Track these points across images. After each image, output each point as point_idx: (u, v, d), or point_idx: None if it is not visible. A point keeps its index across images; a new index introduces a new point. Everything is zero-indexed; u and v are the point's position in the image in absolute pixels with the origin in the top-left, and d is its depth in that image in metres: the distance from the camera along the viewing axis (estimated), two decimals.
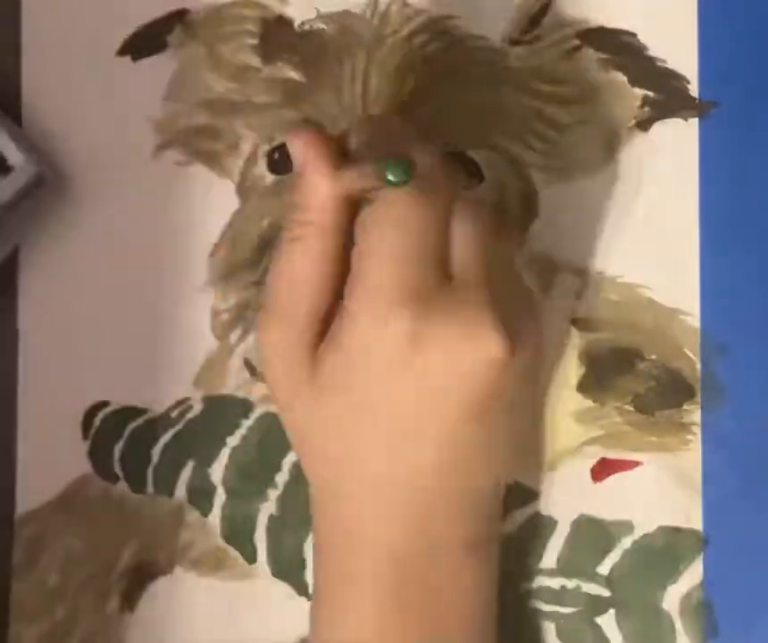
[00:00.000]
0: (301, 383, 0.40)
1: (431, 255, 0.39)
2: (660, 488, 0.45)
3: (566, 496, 0.46)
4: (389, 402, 0.39)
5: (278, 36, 0.49)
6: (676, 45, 0.46)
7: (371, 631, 0.41)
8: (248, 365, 0.48)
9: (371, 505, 0.41)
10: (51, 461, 0.50)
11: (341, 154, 0.40)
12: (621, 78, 0.46)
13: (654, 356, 0.46)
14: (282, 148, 0.48)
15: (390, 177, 0.38)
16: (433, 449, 0.40)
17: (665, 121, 0.46)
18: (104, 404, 0.50)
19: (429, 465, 0.40)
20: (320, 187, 0.39)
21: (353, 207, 0.40)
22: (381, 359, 0.38)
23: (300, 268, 0.40)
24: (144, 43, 0.50)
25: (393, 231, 0.38)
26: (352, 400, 0.40)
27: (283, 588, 0.48)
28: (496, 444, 0.42)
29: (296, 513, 0.47)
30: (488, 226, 0.40)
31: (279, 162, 0.48)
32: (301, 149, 0.40)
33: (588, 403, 0.46)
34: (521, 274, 0.45)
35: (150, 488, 0.49)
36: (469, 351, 0.38)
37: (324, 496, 0.43)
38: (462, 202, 0.40)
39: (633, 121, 0.46)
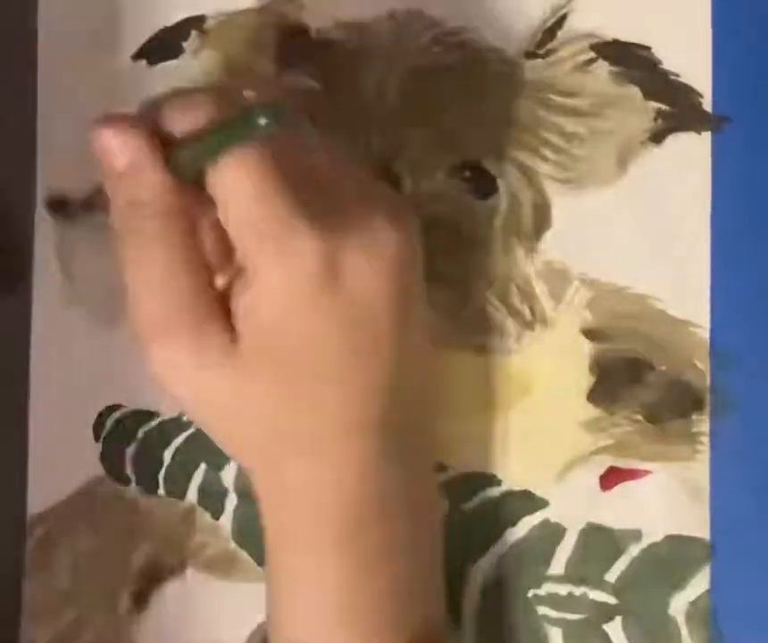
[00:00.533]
0: (216, 368, 0.38)
1: (294, 177, 0.37)
2: (668, 498, 0.46)
3: (575, 504, 0.46)
4: (315, 349, 0.38)
5: (294, 44, 0.49)
6: (690, 59, 0.46)
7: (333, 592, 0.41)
8: None
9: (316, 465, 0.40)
10: (63, 463, 0.51)
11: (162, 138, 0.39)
12: (635, 91, 0.46)
13: (663, 367, 0.46)
14: None
15: (261, 121, 0.36)
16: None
17: (678, 134, 0.46)
18: (117, 407, 0.50)
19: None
20: (153, 183, 0.38)
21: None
22: (302, 296, 0.37)
23: (160, 259, 0.38)
24: (160, 48, 0.50)
25: (252, 175, 0.37)
26: (280, 372, 0.38)
27: None
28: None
29: None
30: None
31: None
32: (115, 148, 0.39)
33: (598, 412, 0.46)
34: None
35: (162, 491, 0.49)
36: (391, 240, 0.39)
37: (265, 478, 0.41)
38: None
39: (646, 134, 0.46)
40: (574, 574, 0.46)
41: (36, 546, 0.50)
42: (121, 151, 0.38)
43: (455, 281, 0.47)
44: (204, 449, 0.49)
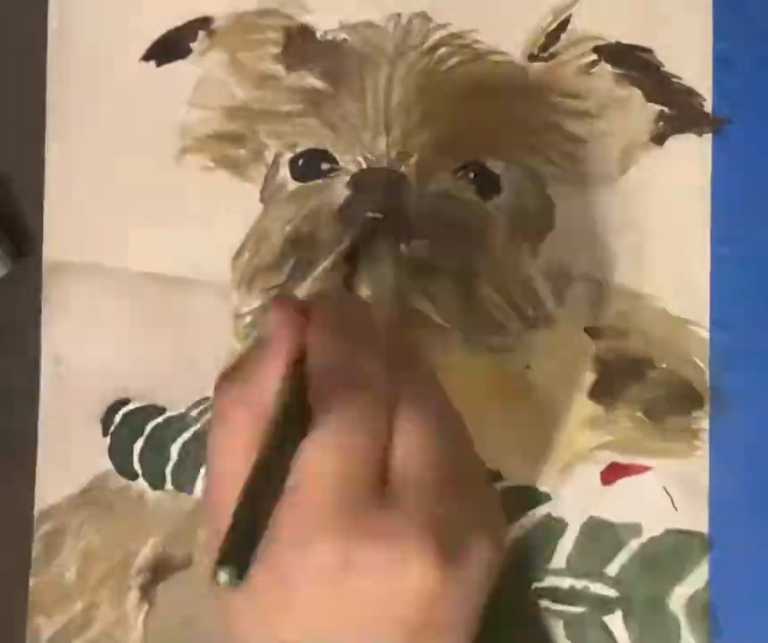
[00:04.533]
0: None
1: (367, 474, 0.35)
2: (668, 493, 0.46)
3: (577, 498, 0.47)
4: (318, 630, 0.35)
5: (301, 45, 0.50)
6: (691, 62, 0.47)
7: None
8: None
9: None
10: (71, 457, 0.51)
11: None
12: (637, 93, 0.48)
13: (664, 365, 0.47)
14: (305, 155, 0.49)
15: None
16: None
17: (680, 136, 0.47)
18: (125, 401, 0.51)
19: None
20: (274, 367, 0.36)
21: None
22: (308, 585, 0.34)
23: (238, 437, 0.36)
24: (168, 49, 0.51)
25: (332, 456, 0.34)
26: (282, 619, 0.35)
27: None
28: None
29: None
30: (437, 425, 0.36)
31: (303, 168, 0.49)
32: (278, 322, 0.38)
33: (600, 409, 0.47)
34: (484, 477, 0.41)
35: (169, 486, 0.50)
36: (395, 578, 0.34)
37: None
38: (407, 406, 0.36)
39: (648, 136, 0.48)
40: (575, 568, 0.47)
41: (43, 541, 0.51)
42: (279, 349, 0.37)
43: (459, 280, 0.48)
44: None
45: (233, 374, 0.37)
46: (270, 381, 0.36)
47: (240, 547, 0.31)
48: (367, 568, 0.34)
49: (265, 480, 0.33)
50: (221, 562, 0.30)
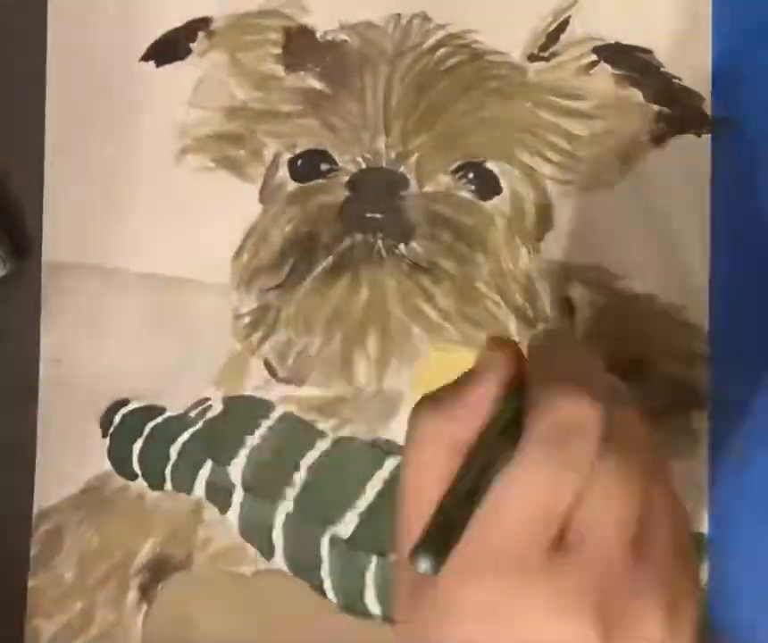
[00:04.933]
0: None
1: (550, 518, 0.32)
2: None
3: None
4: None
5: (300, 45, 0.50)
6: (691, 62, 0.48)
7: None
8: (269, 367, 0.49)
9: None
10: (70, 458, 0.51)
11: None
12: (637, 94, 0.48)
13: (664, 366, 0.47)
14: (305, 156, 0.49)
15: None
16: None
17: (679, 137, 0.47)
18: (124, 402, 0.51)
19: None
20: (480, 404, 0.35)
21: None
22: (464, 616, 0.32)
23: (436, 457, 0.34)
24: (168, 49, 0.51)
25: (527, 498, 0.32)
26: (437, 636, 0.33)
27: (299, 585, 0.49)
28: None
29: (314, 511, 0.48)
30: (635, 496, 0.33)
31: (302, 169, 0.49)
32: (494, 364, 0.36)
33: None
34: (690, 552, 0.36)
35: (169, 486, 0.50)
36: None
37: None
38: (612, 458, 0.33)
39: (647, 137, 0.48)
40: None
41: (42, 541, 0.51)
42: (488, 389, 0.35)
43: (459, 280, 0.48)
44: (211, 445, 0.50)
45: (439, 401, 0.35)
46: (477, 419, 0.34)
47: (440, 539, 0.32)
48: (524, 626, 0.32)
49: (472, 487, 0.33)
50: (421, 549, 0.32)
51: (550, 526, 0.32)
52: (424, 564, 0.32)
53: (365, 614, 0.49)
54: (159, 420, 0.51)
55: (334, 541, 0.49)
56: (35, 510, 0.51)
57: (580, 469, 0.32)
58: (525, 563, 0.32)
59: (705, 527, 0.46)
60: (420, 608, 0.33)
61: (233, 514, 0.50)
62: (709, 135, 0.47)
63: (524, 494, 0.32)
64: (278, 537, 0.49)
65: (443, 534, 0.33)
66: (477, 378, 0.35)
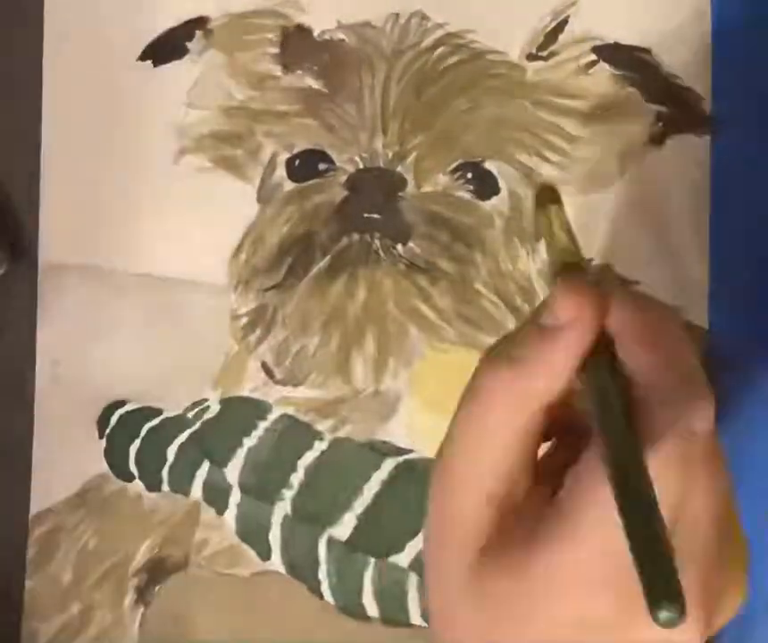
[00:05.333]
0: (459, 591, 0.32)
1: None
2: None
3: None
4: None
5: (298, 45, 0.50)
6: (690, 62, 0.47)
7: None
8: (266, 368, 0.49)
9: None
10: (67, 459, 0.51)
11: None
12: (636, 93, 0.48)
13: None
14: (302, 155, 0.49)
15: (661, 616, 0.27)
16: None
17: (678, 136, 0.47)
18: (121, 403, 0.51)
19: None
20: (564, 355, 0.31)
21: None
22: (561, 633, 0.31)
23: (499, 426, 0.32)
24: (164, 49, 0.51)
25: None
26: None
27: (297, 587, 0.49)
28: None
29: (311, 513, 0.48)
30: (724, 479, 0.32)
31: (300, 169, 0.49)
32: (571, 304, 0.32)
33: None
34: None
35: (166, 487, 0.50)
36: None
37: None
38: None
39: (647, 136, 0.48)
40: None
41: (39, 543, 0.51)
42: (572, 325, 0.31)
43: (457, 280, 0.48)
44: (208, 447, 0.50)
45: (502, 351, 0.32)
46: (555, 372, 0.31)
47: (668, 579, 0.27)
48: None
49: (637, 500, 0.28)
50: (660, 603, 0.27)
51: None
52: (672, 615, 0.27)
53: (363, 616, 0.48)
54: (156, 421, 0.51)
55: (331, 543, 0.48)
56: (31, 512, 0.51)
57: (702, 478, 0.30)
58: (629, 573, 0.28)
59: None
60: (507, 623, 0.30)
61: (230, 516, 0.50)
62: (708, 135, 0.47)
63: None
64: (275, 538, 0.49)
65: (667, 572, 0.27)
66: (558, 336, 0.31)
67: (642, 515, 0.28)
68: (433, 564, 0.32)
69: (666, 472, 0.29)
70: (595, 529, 0.29)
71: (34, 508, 0.51)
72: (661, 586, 0.27)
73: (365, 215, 0.49)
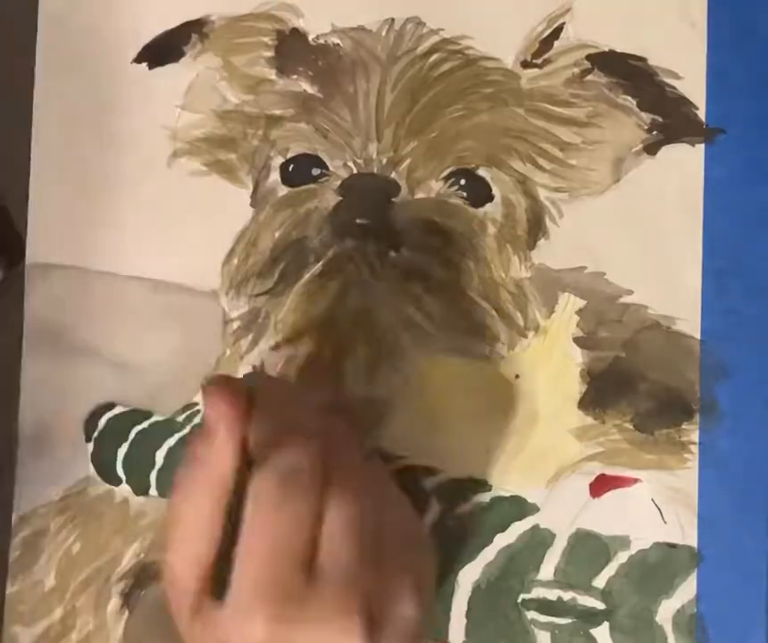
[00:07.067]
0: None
1: (296, 553, 0.38)
2: (657, 505, 0.46)
3: (565, 510, 0.48)
4: None
5: (293, 49, 0.50)
6: (685, 71, 0.48)
7: None
8: None
9: None
10: (52, 462, 0.51)
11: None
12: (630, 102, 0.48)
13: (654, 376, 0.47)
14: (297, 160, 0.49)
15: None
16: None
17: (673, 145, 0.48)
18: (110, 406, 0.50)
19: None
20: (225, 453, 0.40)
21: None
22: None
23: (194, 513, 0.39)
24: (160, 52, 0.51)
25: (260, 532, 0.38)
26: None
27: None
28: None
29: None
30: (363, 513, 0.39)
31: (294, 173, 0.49)
32: (215, 409, 0.40)
33: (589, 420, 0.47)
34: (417, 541, 0.44)
35: (154, 491, 0.50)
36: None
37: None
38: (335, 491, 0.39)
39: (641, 145, 0.48)
40: (563, 579, 0.47)
41: (22, 547, 0.51)
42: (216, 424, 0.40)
43: (449, 288, 0.48)
44: None
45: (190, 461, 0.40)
46: (222, 469, 0.39)
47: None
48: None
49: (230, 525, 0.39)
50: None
51: (295, 558, 0.38)
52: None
53: None
54: (145, 424, 0.51)
55: None
56: (14, 514, 0.51)
57: (305, 514, 0.38)
58: (288, 591, 0.37)
59: (694, 540, 0.46)
60: (206, 636, 0.39)
61: None
62: (702, 144, 0.48)
63: (267, 540, 0.38)
64: None
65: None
66: (215, 434, 0.40)
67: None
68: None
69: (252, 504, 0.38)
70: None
71: (17, 511, 0.51)
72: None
73: (358, 221, 0.49)
